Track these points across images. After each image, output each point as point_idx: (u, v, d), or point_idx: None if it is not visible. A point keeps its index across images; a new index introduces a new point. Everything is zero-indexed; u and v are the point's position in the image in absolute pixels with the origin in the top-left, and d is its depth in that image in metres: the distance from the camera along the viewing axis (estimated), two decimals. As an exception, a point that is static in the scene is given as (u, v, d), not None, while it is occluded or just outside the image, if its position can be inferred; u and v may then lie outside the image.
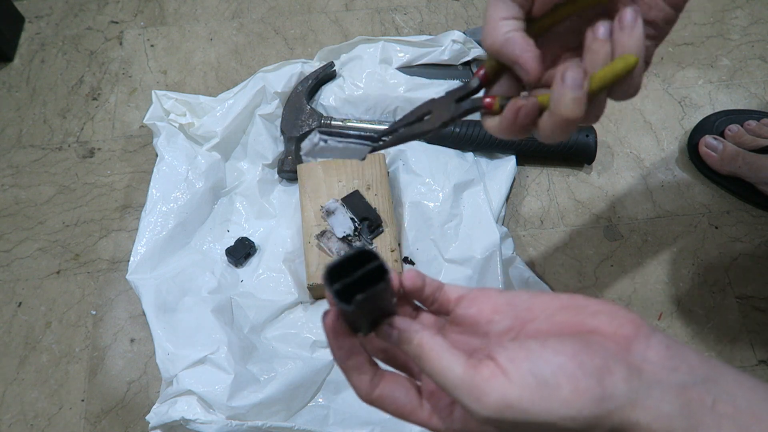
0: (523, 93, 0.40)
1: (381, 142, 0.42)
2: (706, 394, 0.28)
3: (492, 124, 0.39)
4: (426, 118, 0.41)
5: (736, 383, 0.29)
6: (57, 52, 0.97)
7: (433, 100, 0.41)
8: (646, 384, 0.28)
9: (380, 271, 0.29)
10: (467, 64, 0.88)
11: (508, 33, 0.35)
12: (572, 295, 0.32)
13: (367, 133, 0.53)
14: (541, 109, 0.37)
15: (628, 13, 0.34)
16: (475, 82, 0.40)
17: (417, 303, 0.36)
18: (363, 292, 0.28)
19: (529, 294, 0.33)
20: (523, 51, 0.35)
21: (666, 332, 0.72)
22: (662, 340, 0.30)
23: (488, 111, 0.39)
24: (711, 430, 0.27)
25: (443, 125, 0.41)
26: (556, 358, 0.28)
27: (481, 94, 0.40)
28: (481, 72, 0.39)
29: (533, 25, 0.37)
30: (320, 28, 0.98)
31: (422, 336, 0.30)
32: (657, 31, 0.38)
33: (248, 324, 0.70)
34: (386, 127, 0.38)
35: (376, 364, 0.34)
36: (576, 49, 0.38)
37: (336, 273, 0.29)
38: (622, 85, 0.38)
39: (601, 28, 0.35)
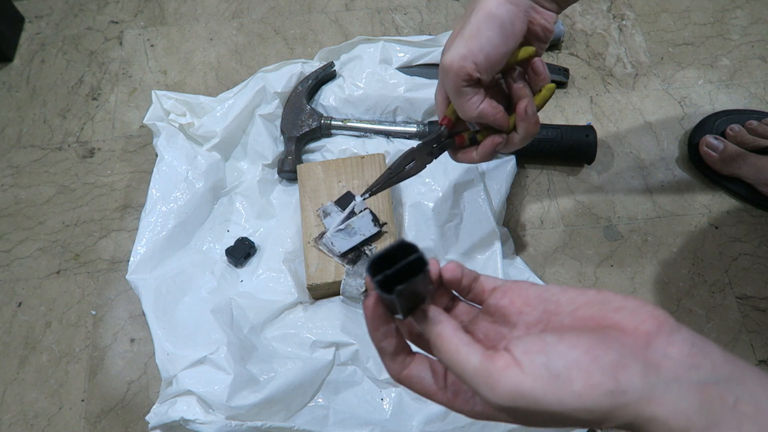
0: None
1: (370, 192, 0.57)
2: (727, 393, 0.28)
3: (467, 157, 0.54)
4: (409, 165, 0.55)
5: (760, 385, 0.28)
6: (57, 52, 0.97)
7: (413, 150, 0.54)
8: (664, 380, 0.28)
9: (420, 263, 0.30)
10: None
11: (478, 107, 0.48)
12: (600, 291, 0.32)
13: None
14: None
15: (538, 64, 0.50)
16: (444, 132, 0.53)
17: (454, 293, 0.38)
18: (403, 283, 0.29)
19: (559, 288, 0.34)
20: (495, 114, 0.50)
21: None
22: (687, 337, 0.29)
23: (460, 146, 0.54)
24: (731, 429, 0.27)
25: (423, 167, 0.56)
26: (570, 352, 0.28)
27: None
28: (445, 122, 0.52)
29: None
30: (320, 28, 0.98)
31: (442, 328, 0.32)
32: (545, 38, 0.51)
33: (248, 324, 0.70)
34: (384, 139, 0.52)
35: (408, 347, 0.36)
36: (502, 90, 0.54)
37: (378, 264, 0.30)
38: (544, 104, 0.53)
39: (520, 79, 0.52)
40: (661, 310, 0.30)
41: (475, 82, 0.47)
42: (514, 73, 0.51)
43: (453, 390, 0.35)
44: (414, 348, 0.37)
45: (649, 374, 0.28)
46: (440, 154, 0.55)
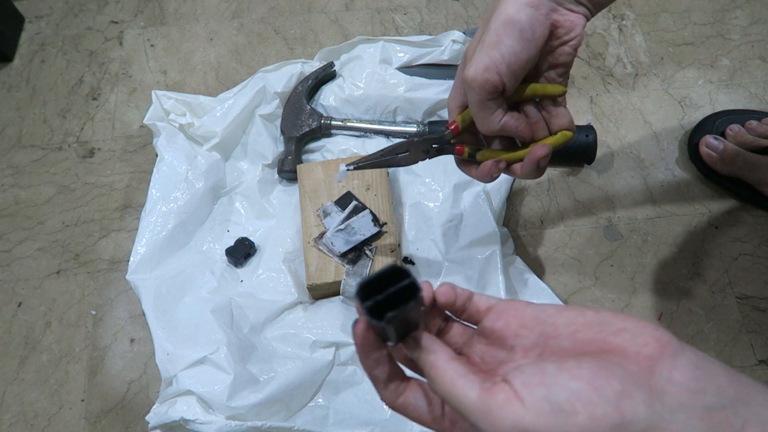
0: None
1: (356, 166, 0.56)
2: (734, 417, 0.27)
3: (467, 170, 0.54)
4: (402, 154, 0.54)
5: (766, 405, 0.28)
6: (57, 52, 0.97)
7: (412, 142, 0.53)
8: (669, 408, 0.27)
9: (412, 289, 0.29)
10: (467, 64, 0.88)
11: (501, 121, 0.47)
12: (598, 311, 0.32)
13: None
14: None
15: (563, 113, 0.49)
16: (448, 135, 0.52)
17: (448, 313, 0.37)
18: (394, 310, 0.28)
19: (556, 308, 0.33)
20: (518, 126, 0.48)
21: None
22: (690, 358, 0.29)
23: (459, 157, 0.53)
24: None
25: (414, 162, 0.55)
26: (572, 383, 0.27)
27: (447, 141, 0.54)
28: (453, 126, 0.51)
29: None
30: (320, 28, 0.98)
31: (436, 358, 0.31)
32: (566, 68, 0.49)
33: (248, 324, 0.70)
34: (382, 127, 0.49)
35: (401, 372, 0.35)
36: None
37: (368, 288, 0.29)
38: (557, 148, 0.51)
39: (532, 113, 0.50)
40: (662, 330, 0.30)
41: (498, 94, 0.46)
42: (533, 104, 0.49)
43: (450, 419, 0.33)
44: (408, 372, 0.35)
45: (654, 403, 0.27)
46: (436, 156, 0.54)
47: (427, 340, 0.32)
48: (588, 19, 0.46)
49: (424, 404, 0.34)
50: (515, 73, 0.44)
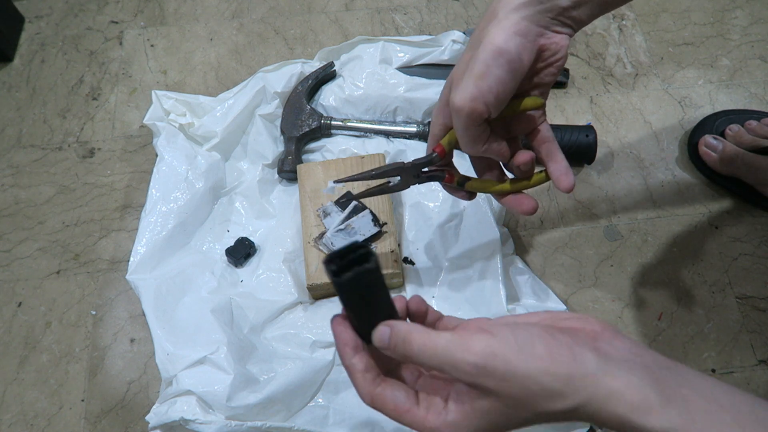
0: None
1: (344, 183, 0.57)
2: (670, 378, 0.31)
3: (457, 195, 0.58)
4: (392, 180, 0.55)
5: (697, 377, 0.32)
6: (57, 52, 0.97)
7: (402, 167, 0.54)
8: (615, 361, 0.32)
9: (368, 256, 0.33)
10: (467, 64, 0.88)
11: (485, 145, 0.48)
12: (549, 311, 0.38)
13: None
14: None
15: (564, 184, 0.51)
16: (436, 159, 0.52)
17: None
18: (354, 275, 0.33)
19: (511, 316, 0.39)
20: (500, 150, 0.50)
21: (666, 332, 0.72)
22: (627, 339, 0.34)
23: (448, 184, 0.55)
24: (680, 406, 0.30)
25: (406, 188, 0.56)
26: (533, 330, 0.33)
27: (437, 168, 0.56)
28: (439, 150, 0.52)
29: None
30: (320, 28, 0.98)
31: (410, 328, 0.35)
32: (549, 86, 0.50)
33: (248, 324, 0.70)
34: (378, 126, 0.51)
35: (378, 368, 0.38)
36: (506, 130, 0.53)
37: (337, 260, 0.34)
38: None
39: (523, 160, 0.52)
40: (604, 321, 0.36)
41: (483, 121, 0.46)
42: (518, 125, 0.52)
43: (425, 405, 0.35)
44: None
45: (600, 356, 0.32)
46: (426, 182, 0.56)
47: (398, 322, 0.36)
48: (571, 37, 0.47)
49: (402, 395, 0.36)
50: (502, 102, 0.45)
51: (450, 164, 0.56)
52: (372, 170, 0.55)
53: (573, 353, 0.32)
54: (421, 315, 0.40)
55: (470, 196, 0.57)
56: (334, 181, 0.57)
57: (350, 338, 0.37)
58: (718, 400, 0.31)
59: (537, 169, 0.54)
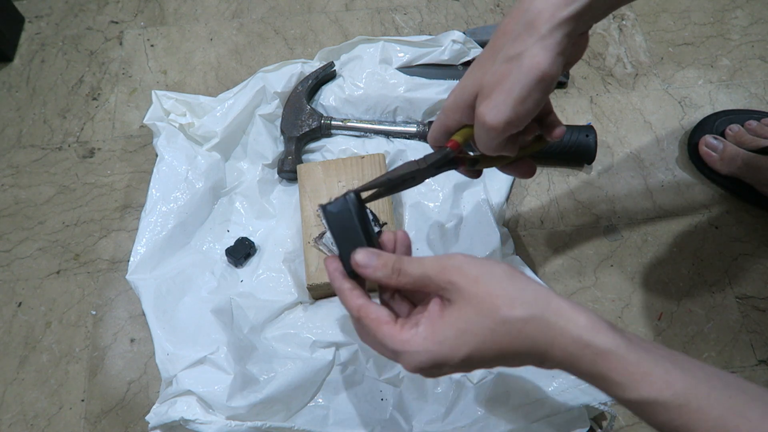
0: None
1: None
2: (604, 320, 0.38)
3: (468, 174, 0.56)
4: (409, 180, 0.52)
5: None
6: (57, 52, 0.97)
7: (417, 170, 0.51)
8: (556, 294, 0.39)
9: (348, 194, 0.44)
10: (467, 64, 0.88)
11: (504, 147, 0.47)
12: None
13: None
14: None
15: (558, 133, 0.48)
16: (451, 153, 0.51)
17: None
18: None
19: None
20: (513, 151, 0.48)
21: (666, 332, 0.72)
22: None
23: (461, 167, 0.54)
24: (624, 336, 0.36)
25: (420, 183, 0.53)
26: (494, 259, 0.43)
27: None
28: (454, 145, 0.50)
29: None
30: (320, 28, 0.98)
31: (400, 256, 0.43)
32: None
33: (248, 324, 0.70)
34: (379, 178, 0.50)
35: (365, 291, 0.44)
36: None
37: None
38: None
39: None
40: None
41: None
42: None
43: (401, 323, 0.41)
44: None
45: (550, 289, 0.40)
46: (438, 174, 0.54)
47: (387, 253, 0.44)
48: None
49: (384, 310, 0.42)
50: (532, 117, 0.44)
51: (462, 151, 0.54)
52: (387, 177, 0.51)
53: (526, 276, 0.39)
54: (364, 272, 0.44)
55: (478, 174, 0.56)
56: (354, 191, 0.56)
57: (340, 267, 0.44)
58: (654, 344, 0.37)
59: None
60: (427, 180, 0.78)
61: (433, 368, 0.39)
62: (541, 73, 0.40)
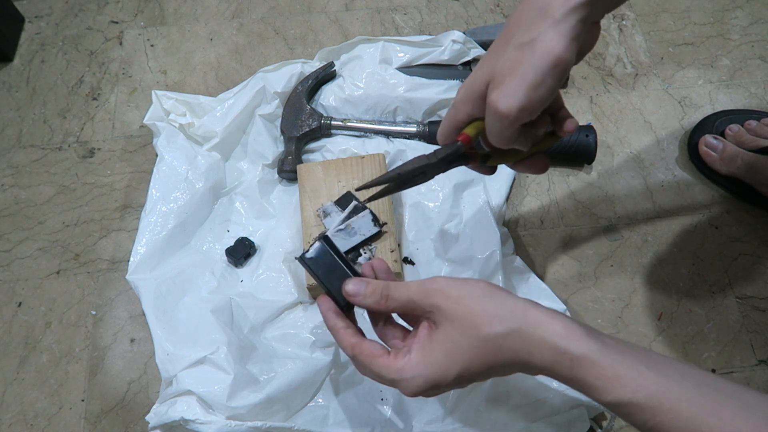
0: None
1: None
2: (587, 327, 0.39)
3: (479, 170, 0.54)
4: (419, 176, 0.51)
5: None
6: (57, 52, 0.97)
7: (428, 164, 0.49)
8: (533, 304, 0.41)
9: (320, 238, 0.49)
10: (467, 64, 0.88)
11: (516, 139, 0.45)
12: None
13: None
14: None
15: (569, 126, 0.47)
16: (462, 148, 0.49)
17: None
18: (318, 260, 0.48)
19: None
20: (526, 145, 0.47)
21: (666, 332, 0.72)
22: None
23: (473, 164, 0.52)
24: (600, 340, 0.37)
25: (430, 179, 0.52)
26: (474, 279, 0.45)
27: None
28: (465, 139, 0.48)
29: None
30: (320, 28, 0.98)
31: (387, 282, 0.46)
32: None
33: (248, 324, 0.70)
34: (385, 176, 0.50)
35: (358, 329, 0.47)
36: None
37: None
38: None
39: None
40: None
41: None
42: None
43: (393, 354, 0.43)
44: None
45: (526, 299, 0.42)
46: (448, 169, 0.51)
47: (373, 280, 0.47)
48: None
49: (377, 345, 0.44)
50: (546, 105, 0.42)
51: (473, 147, 0.51)
52: (398, 173, 0.50)
53: (504, 291, 0.41)
54: (356, 299, 0.47)
55: (491, 170, 0.54)
56: (357, 189, 0.53)
57: (332, 306, 0.47)
58: (630, 344, 0.38)
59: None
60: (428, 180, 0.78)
61: (430, 390, 0.41)
62: (555, 59, 0.39)
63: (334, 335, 0.46)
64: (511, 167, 0.54)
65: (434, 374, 0.40)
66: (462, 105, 0.47)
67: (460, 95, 0.47)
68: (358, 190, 0.52)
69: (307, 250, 0.49)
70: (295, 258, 0.47)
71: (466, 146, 0.48)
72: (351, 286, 0.46)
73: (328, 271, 0.48)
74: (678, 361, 0.37)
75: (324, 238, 0.49)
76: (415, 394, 0.41)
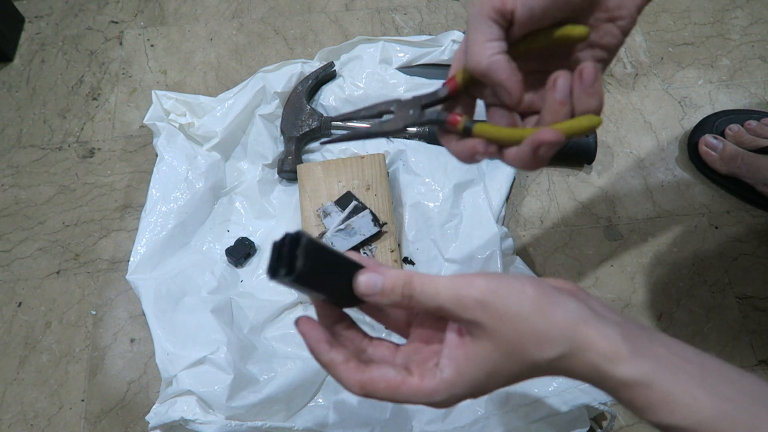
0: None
1: (333, 134, 0.39)
2: (642, 334, 0.33)
3: (454, 146, 0.41)
4: (386, 117, 0.41)
5: (668, 337, 0.34)
6: (57, 52, 0.97)
7: (398, 101, 0.41)
8: (593, 312, 0.34)
9: (297, 237, 0.32)
10: (467, 64, 0.88)
11: (494, 56, 0.36)
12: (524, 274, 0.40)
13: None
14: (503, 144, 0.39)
15: (588, 70, 0.38)
16: (443, 92, 0.40)
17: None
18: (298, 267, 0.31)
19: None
20: (509, 75, 0.36)
21: (666, 332, 0.72)
22: (600, 301, 0.36)
23: (450, 128, 0.40)
24: (650, 359, 0.32)
25: (404, 128, 0.41)
26: (522, 276, 0.34)
27: (440, 106, 0.41)
28: (451, 83, 0.39)
29: (510, 49, 0.37)
30: (320, 28, 0.98)
31: (409, 273, 0.35)
32: (608, 55, 0.41)
33: (248, 324, 0.70)
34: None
35: (356, 355, 0.36)
36: (539, 76, 0.40)
37: (279, 270, 0.32)
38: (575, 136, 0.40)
39: (561, 88, 0.38)
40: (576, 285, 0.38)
41: (501, 20, 0.36)
42: (565, 74, 0.39)
43: (418, 373, 0.35)
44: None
45: (581, 305, 0.34)
46: (427, 124, 0.41)
47: (390, 268, 0.36)
48: (640, 10, 0.38)
49: (390, 370, 0.35)
50: (531, 8, 0.35)
51: (458, 104, 0.41)
52: (363, 108, 0.42)
53: (558, 299, 0.33)
54: (368, 296, 0.38)
55: (471, 156, 0.40)
56: (321, 142, 0.47)
57: (322, 334, 0.35)
58: (686, 356, 0.33)
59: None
60: (427, 180, 0.78)
61: (463, 401, 0.36)
62: None
63: (333, 373, 0.35)
64: (497, 156, 0.40)
65: (471, 392, 0.35)
66: (460, 49, 0.39)
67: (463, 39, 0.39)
68: (323, 143, 0.44)
69: (291, 264, 0.32)
70: (276, 278, 0.32)
71: (450, 92, 0.40)
72: (364, 285, 0.35)
73: (325, 268, 0.34)
74: (733, 369, 0.33)
75: (311, 241, 0.33)
76: (446, 408, 0.37)
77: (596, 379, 0.33)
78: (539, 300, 0.33)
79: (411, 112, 0.41)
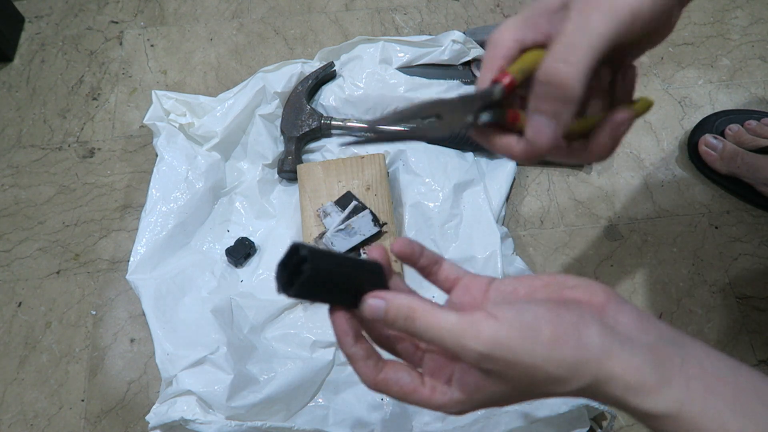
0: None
1: (372, 133, 0.35)
2: (675, 354, 0.31)
3: (506, 145, 0.36)
4: (430, 119, 0.34)
5: (703, 351, 0.32)
6: (57, 52, 0.97)
7: (442, 102, 0.34)
8: (619, 339, 0.31)
9: (296, 249, 0.32)
10: (467, 64, 0.88)
11: (586, 77, 0.33)
12: (553, 274, 0.36)
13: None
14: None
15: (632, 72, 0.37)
16: (498, 92, 0.33)
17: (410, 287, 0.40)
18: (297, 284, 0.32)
19: (515, 277, 0.38)
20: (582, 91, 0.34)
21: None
22: (633, 309, 0.34)
23: (509, 126, 0.35)
24: (680, 386, 0.30)
25: (450, 133, 0.35)
26: (537, 309, 0.32)
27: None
28: (507, 79, 0.33)
29: None
30: (320, 28, 0.98)
31: (411, 300, 0.33)
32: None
33: (248, 324, 0.70)
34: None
35: (378, 354, 0.37)
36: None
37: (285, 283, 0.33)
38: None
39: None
40: (609, 287, 0.35)
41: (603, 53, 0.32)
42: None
43: (430, 385, 0.35)
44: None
45: (606, 333, 0.31)
46: (482, 126, 0.35)
47: (395, 294, 0.34)
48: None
49: (405, 376, 0.36)
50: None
51: (515, 101, 0.36)
52: (402, 111, 0.35)
53: (579, 336, 0.31)
54: (412, 258, 0.39)
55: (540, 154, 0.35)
56: (341, 144, 0.40)
57: (349, 328, 0.36)
58: (719, 373, 0.31)
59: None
60: (427, 180, 0.78)
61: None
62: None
63: (352, 365, 0.37)
64: (565, 153, 0.37)
65: (479, 407, 0.35)
66: (507, 32, 0.35)
67: (507, 22, 0.35)
68: (345, 145, 0.37)
69: (295, 273, 0.32)
70: (280, 293, 0.33)
71: (506, 91, 0.33)
72: (368, 311, 0.34)
73: (334, 279, 0.33)
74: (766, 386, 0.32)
75: (310, 256, 0.33)
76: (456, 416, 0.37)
77: (622, 407, 0.32)
78: (555, 343, 0.31)
79: (468, 117, 0.34)
